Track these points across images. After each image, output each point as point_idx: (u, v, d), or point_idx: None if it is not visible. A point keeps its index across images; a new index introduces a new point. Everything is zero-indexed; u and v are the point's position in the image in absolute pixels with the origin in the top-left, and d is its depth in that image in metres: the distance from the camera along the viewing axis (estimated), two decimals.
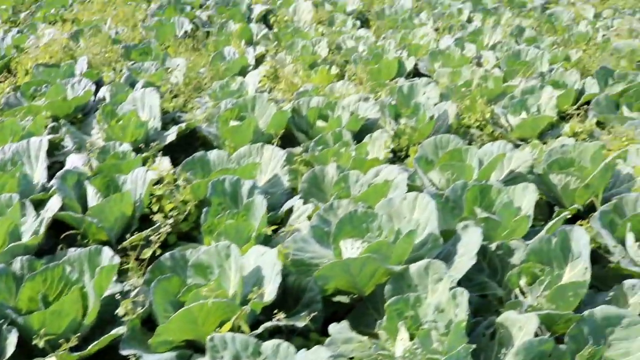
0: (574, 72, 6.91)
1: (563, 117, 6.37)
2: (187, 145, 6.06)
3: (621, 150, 4.87)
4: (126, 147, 5.35)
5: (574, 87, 6.67)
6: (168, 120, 6.48)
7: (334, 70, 7.59)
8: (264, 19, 10.24)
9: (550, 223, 3.95)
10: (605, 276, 3.90)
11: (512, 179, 4.74)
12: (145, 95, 6.20)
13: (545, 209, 4.80)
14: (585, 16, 10.25)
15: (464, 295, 3.07)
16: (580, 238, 3.57)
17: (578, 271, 3.54)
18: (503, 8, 10.52)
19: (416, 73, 7.82)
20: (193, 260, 3.69)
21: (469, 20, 9.87)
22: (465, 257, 3.49)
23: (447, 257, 3.62)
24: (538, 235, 3.68)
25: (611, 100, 6.36)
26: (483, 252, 3.75)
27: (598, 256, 4.18)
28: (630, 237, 3.92)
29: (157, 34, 9.24)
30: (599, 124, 6.21)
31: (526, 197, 4.18)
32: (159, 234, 4.09)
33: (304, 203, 4.53)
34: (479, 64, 7.73)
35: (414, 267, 3.38)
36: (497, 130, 6.08)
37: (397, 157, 5.52)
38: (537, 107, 6.11)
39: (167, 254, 3.83)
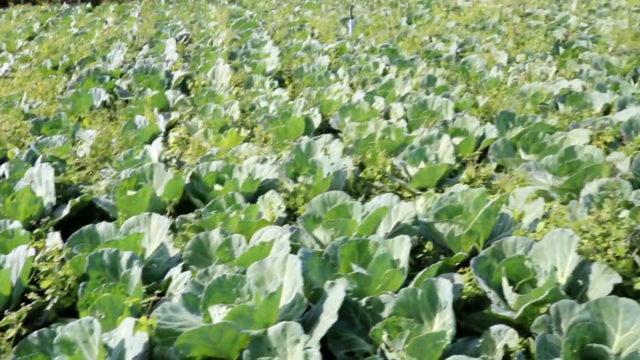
0: (474, 118, 7.04)
1: (465, 164, 6.46)
2: (87, 219, 5.97)
3: (502, 195, 4.92)
4: (16, 224, 5.28)
5: (475, 133, 6.78)
6: (70, 193, 6.41)
7: (244, 132, 7.61)
8: (183, 84, 10.29)
9: (419, 274, 3.94)
10: (484, 322, 3.89)
11: (399, 230, 4.74)
12: (41, 170, 6.13)
13: (438, 258, 4.81)
14: (498, 62, 10.51)
15: (314, 356, 3.02)
16: (445, 288, 3.57)
17: (445, 321, 3.53)
18: (419, 59, 10.73)
19: (328, 129, 7.89)
20: (59, 337, 3.62)
21: (384, 73, 10.03)
22: (328, 315, 3.45)
23: (315, 317, 3.59)
24: (404, 288, 3.67)
25: (509, 144, 6.48)
26: (354, 308, 3.73)
27: (480, 301, 4.20)
28: (504, 282, 3.94)
29: (73, 106, 9.22)
30: (500, 168, 6.32)
31: (403, 249, 4.18)
32: (30, 311, 4.00)
33: (189, 269, 4.48)
34: (387, 117, 7.83)
35: (272, 330, 3.34)
36: (398, 182, 6.13)
37: (294, 216, 5.50)
38: (435, 156, 6.18)
39: (34, 333, 3.78)
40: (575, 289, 3.93)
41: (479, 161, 6.46)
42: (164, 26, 16.70)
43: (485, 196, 4.80)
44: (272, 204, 5.14)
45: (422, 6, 18.89)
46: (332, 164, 6.02)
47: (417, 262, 4.79)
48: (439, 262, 4.11)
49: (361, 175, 6.35)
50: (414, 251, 4.75)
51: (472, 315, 4.06)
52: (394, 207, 4.85)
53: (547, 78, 9.40)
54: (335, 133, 7.55)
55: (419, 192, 5.89)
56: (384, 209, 4.72)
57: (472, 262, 4.06)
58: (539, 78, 9.38)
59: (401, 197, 5.70)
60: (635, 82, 8.89)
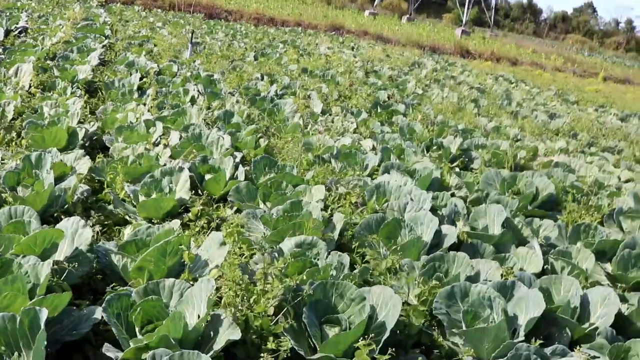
0: (231, 158, 6.99)
1: (213, 201, 6.39)
2: None
3: (183, 236, 4.82)
4: None
5: (229, 173, 6.72)
6: None
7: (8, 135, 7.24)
8: None
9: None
10: None
11: (75, 256, 4.54)
12: None
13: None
14: (311, 110, 10.67)
15: None
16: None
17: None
18: (236, 94, 10.73)
19: (102, 146, 7.65)
20: None
21: (192, 101, 9.89)
22: None
23: None
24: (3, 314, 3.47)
25: (253, 189, 6.44)
26: None
27: None
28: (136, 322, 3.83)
29: None
30: (239, 211, 6.27)
31: (43, 274, 3.98)
32: None
33: None
34: (164, 144, 7.66)
35: None
36: (126, 209, 5.94)
37: None
38: (170, 189, 6.05)
39: None
40: (206, 339, 3.87)
41: (224, 201, 6.42)
42: (2, 14, 15.93)
43: (170, 234, 4.69)
44: None
45: (282, 46, 19.10)
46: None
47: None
48: (69, 293, 3.91)
49: (99, 196, 6.13)
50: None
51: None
52: (78, 232, 4.66)
53: (344, 133, 9.58)
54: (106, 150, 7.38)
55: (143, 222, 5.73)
56: (58, 231, 4.51)
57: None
58: (337, 132, 9.55)
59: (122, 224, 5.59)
60: (427, 151, 9.25)
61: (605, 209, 7.70)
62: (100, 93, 10.05)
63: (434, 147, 9.39)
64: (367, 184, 6.91)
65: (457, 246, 5.68)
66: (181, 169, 6.27)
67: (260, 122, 9.51)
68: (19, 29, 14.40)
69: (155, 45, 14.94)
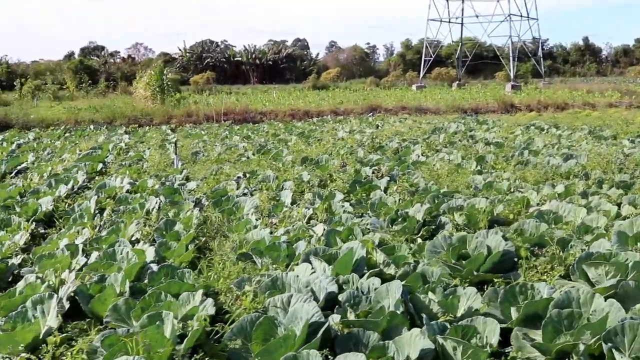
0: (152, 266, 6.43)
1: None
2: None
3: None
4: None
5: (117, 287, 6.17)
6: None
7: None
8: None
9: None
10: None
11: None
12: None
13: None
14: (282, 201, 10.11)
15: None
16: None
17: None
18: (204, 199, 10.35)
19: None
20: None
21: (148, 214, 9.51)
22: None
23: None
24: None
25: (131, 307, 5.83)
26: None
27: None
28: None
29: None
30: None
31: None
32: None
33: None
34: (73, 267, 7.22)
35: None
36: None
37: None
38: (36, 318, 5.55)
39: None
40: None
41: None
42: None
43: None
44: None
45: (295, 138, 18.84)
46: None
47: None
48: None
49: None
50: None
51: None
52: None
53: (296, 221, 8.93)
54: None
55: None
56: None
57: None
58: (291, 221, 8.93)
59: None
60: (392, 225, 8.46)
61: (572, 257, 6.65)
62: (58, 222, 9.82)
63: (399, 219, 8.58)
64: (278, 278, 6.18)
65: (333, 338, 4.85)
66: (51, 296, 5.75)
67: (214, 224, 9.01)
68: (17, 170, 14.65)
69: (147, 162, 14.88)
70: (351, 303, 5.48)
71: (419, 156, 14.59)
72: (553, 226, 8.26)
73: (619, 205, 9.19)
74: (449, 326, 4.82)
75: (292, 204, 10.16)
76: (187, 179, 12.93)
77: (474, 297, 5.52)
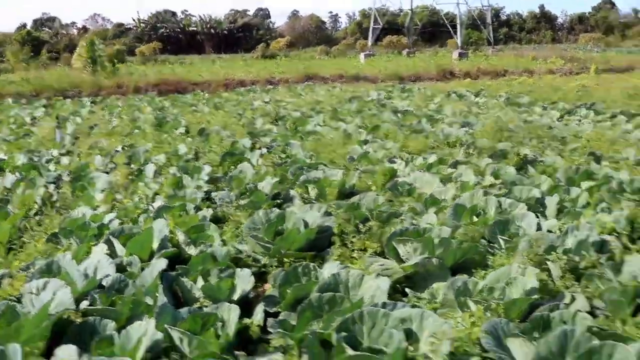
0: None
1: None
2: None
3: None
4: None
5: None
6: None
7: None
8: None
9: None
10: None
11: None
12: None
13: None
14: None
15: None
16: None
17: None
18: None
19: None
20: None
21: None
22: None
23: None
24: None
25: None
26: None
27: None
28: None
29: None
30: None
31: None
32: None
33: None
34: None
35: None
36: None
37: None
38: None
39: None
40: None
41: None
42: None
43: None
44: None
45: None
46: None
47: None
48: None
49: None
50: None
51: None
52: None
53: None
54: None
55: None
56: None
57: None
58: None
59: None
60: None
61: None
62: None
63: (247, 193, 8.18)
64: (54, 261, 5.69)
65: None
66: None
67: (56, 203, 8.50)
68: None
69: (34, 135, 14.22)
70: (115, 288, 5.03)
71: (316, 126, 14.13)
72: (403, 198, 7.90)
73: (483, 175, 8.86)
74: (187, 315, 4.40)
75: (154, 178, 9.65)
76: (68, 153, 12.32)
77: (248, 279, 5.11)
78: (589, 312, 4.77)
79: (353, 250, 6.09)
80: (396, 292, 5.33)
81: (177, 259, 5.97)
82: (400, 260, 5.86)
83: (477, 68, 33.76)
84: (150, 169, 9.99)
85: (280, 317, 4.67)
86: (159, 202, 7.92)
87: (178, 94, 28.01)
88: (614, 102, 18.23)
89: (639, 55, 42.61)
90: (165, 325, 4.18)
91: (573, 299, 4.87)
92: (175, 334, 4.13)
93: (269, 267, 5.93)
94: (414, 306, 4.63)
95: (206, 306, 4.69)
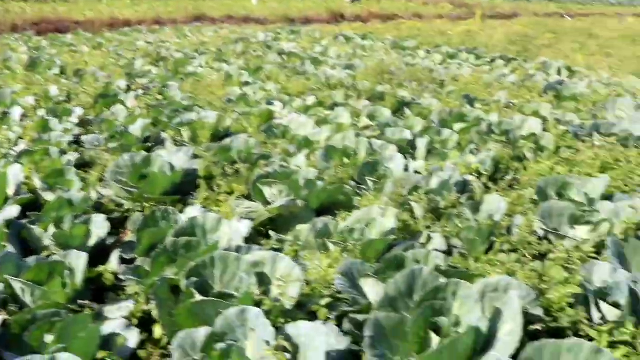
0: None
1: None
2: None
3: None
4: None
5: None
6: None
7: None
8: None
9: None
10: None
11: None
12: None
13: None
14: None
15: None
16: None
17: None
18: None
19: None
20: None
21: None
22: None
23: None
24: None
25: None
26: None
27: None
28: None
29: None
30: None
31: None
32: None
33: None
34: None
35: None
36: None
37: None
38: None
39: None
40: None
41: None
42: None
43: None
44: None
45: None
46: None
47: None
48: None
49: None
50: None
51: None
52: None
53: None
54: None
55: None
56: None
57: None
58: None
59: None
60: None
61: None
62: None
63: (117, 136, 7.85)
64: None
65: None
66: None
67: None
68: None
69: None
70: None
71: (197, 68, 13.74)
72: (277, 140, 7.82)
73: (359, 117, 8.89)
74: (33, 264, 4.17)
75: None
76: None
77: (104, 225, 4.91)
78: (446, 251, 4.91)
79: (219, 194, 5.98)
80: (260, 235, 5.30)
81: (35, 206, 5.67)
82: (267, 203, 5.80)
83: (368, 12, 33.76)
84: (16, 112, 9.39)
85: (136, 264, 4.52)
86: (22, 147, 7.48)
87: (59, 34, 26.47)
88: (494, 46, 18.73)
89: (524, 2, 43.84)
90: (6, 276, 3.95)
91: (429, 238, 4.98)
92: (17, 285, 3.91)
93: (132, 212, 5.75)
94: (273, 249, 4.61)
95: (56, 254, 4.48)
